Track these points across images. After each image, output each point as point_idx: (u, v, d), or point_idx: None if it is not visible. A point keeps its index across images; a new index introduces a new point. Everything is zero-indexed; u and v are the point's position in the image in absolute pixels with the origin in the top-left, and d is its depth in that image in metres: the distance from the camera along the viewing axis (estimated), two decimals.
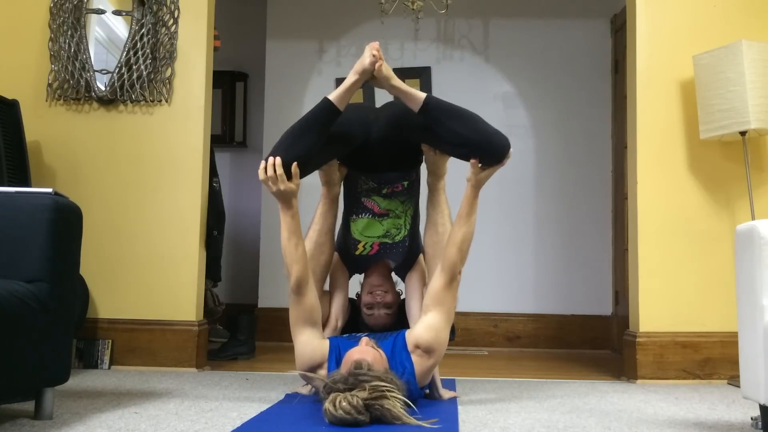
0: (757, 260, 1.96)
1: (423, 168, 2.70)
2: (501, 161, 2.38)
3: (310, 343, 2.37)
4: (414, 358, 2.33)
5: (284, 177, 2.31)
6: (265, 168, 2.31)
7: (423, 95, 2.41)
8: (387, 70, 2.44)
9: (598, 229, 4.72)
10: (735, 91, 3.04)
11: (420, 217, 2.71)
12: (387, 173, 2.59)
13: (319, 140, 2.39)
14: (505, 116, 4.75)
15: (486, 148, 2.37)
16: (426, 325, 2.37)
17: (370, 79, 2.47)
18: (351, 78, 2.42)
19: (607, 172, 4.74)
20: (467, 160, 2.42)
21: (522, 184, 4.80)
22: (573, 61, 4.82)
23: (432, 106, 2.40)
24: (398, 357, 2.32)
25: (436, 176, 2.62)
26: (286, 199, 2.35)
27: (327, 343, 2.39)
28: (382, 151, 2.57)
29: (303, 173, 2.38)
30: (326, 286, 2.69)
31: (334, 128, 2.44)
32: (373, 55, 2.40)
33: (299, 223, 2.39)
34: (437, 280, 2.42)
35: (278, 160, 2.29)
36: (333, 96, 2.41)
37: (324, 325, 2.59)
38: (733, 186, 3.28)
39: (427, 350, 2.33)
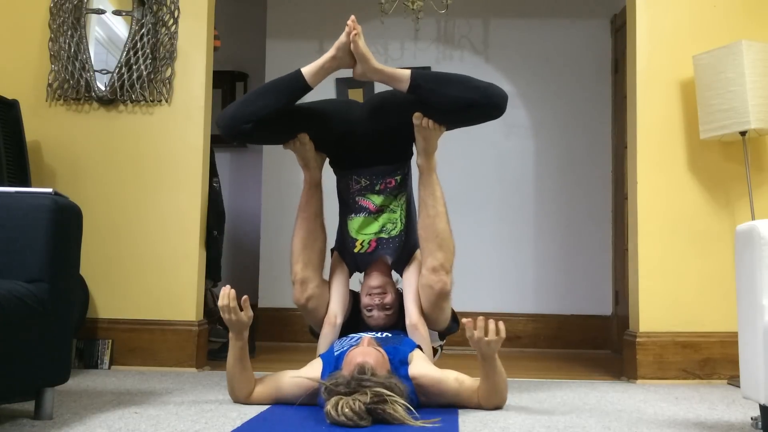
0: (757, 260, 1.96)
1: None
2: (503, 111, 2.42)
3: (299, 384, 2.31)
4: (413, 385, 2.25)
5: (237, 309, 2.29)
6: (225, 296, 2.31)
7: (408, 71, 2.39)
8: (365, 47, 2.39)
9: (598, 229, 4.72)
10: (735, 91, 3.04)
11: (415, 210, 2.68)
12: (377, 166, 2.57)
13: (280, 105, 2.37)
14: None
15: (488, 102, 2.40)
16: (432, 378, 2.29)
17: (352, 66, 2.44)
18: (328, 53, 2.40)
19: (607, 172, 4.74)
20: (471, 123, 2.47)
21: (522, 184, 4.80)
22: (573, 61, 4.82)
23: (421, 79, 2.40)
24: (397, 374, 2.22)
25: (426, 154, 2.52)
26: (240, 329, 2.34)
27: (319, 366, 2.33)
28: (370, 142, 2.54)
29: (259, 133, 2.41)
30: (326, 277, 2.67)
31: (314, 106, 2.44)
32: (348, 25, 2.36)
33: (247, 352, 2.40)
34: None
35: (233, 292, 2.30)
36: (305, 69, 2.40)
37: (323, 323, 2.59)
38: (733, 186, 3.28)
39: (424, 393, 2.27)
